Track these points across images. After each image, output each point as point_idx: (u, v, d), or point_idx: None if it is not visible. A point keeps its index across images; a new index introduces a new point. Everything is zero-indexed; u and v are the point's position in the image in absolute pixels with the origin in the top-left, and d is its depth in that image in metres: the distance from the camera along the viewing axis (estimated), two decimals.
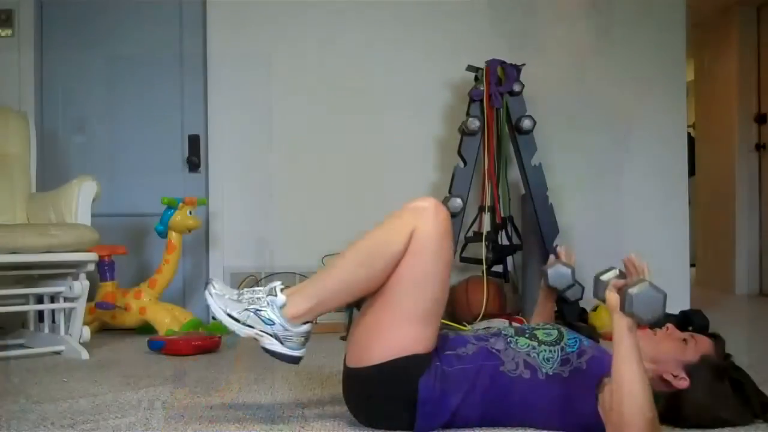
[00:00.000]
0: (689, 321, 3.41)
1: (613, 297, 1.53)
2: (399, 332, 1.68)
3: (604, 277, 1.67)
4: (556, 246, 3.28)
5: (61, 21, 4.04)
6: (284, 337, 1.70)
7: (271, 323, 1.69)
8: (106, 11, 4.05)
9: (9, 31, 3.94)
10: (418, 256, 1.67)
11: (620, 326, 1.51)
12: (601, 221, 4.06)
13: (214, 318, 1.76)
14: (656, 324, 1.55)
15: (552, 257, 2.04)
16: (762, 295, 5.42)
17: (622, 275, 1.65)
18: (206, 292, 1.74)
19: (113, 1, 4.05)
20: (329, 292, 1.73)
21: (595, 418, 1.62)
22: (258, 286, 1.77)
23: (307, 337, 1.74)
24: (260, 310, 1.69)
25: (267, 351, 1.72)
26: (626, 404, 1.49)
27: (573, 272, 1.99)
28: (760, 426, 1.74)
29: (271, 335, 1.70)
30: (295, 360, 1.73)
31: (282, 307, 1.69)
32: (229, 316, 1.70)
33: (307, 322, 1.72)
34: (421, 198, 1.73)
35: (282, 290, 1.71)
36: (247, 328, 1.70)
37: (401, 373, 1.67)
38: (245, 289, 1.75)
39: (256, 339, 1.71)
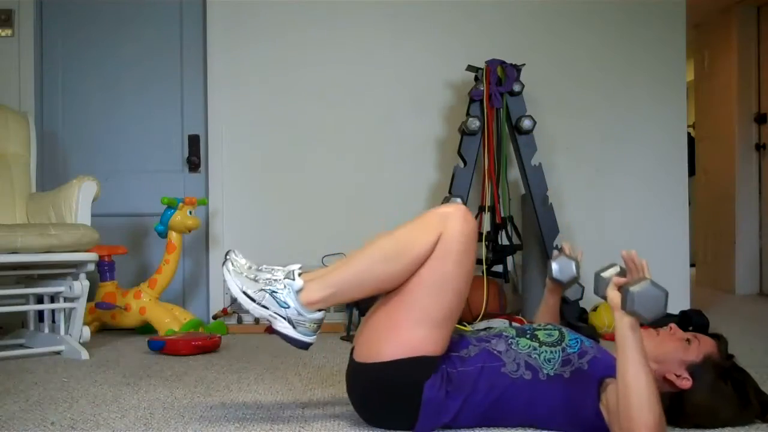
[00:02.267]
0: (689, 321, 3.41)
1: (614, 295, 1.53)
2: (413, 333, 1.68)
3: (605, 274, 1.67)
4: (559, 244, 3.26)
5: (61, 21, 4.04)
6: (297, 321, 1.70)
7: (286, 306, 1.68)
8: (106, 11, 4.05)
9: (9, 31, 3.94)
10: (441, 260, 1.67)
11: (622, 325, 1.51)
12: (601, 221, 4.06)
13: (228, 294, 1.74)
14: (658, 323, 1.54)
15: (556, 251, 2.01)
16: (762, 295, 5.42)
17: (622, 272, 1.65)
18: (224, 268, 1.74)
19: (113, 1, 4.05)
20: (347, 284, 1.72)
21: (598, 418, 1.62)
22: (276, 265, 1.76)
23: (319, 324, 1.73)
24: (276, 292, 1.69)
25: (279, 334, 1.71)
26: (634, 404, 1.47)
27: (577, 265, 1.98)
28: (760, 426, 1.74)
29: (284, 318, 1.69)
30: (305, 345, 1.72)
31: (298, 291, 1.69)
32: (245, 294, 1.70)
33: (320, 310, 1.72)
34: (449, 204, 1.73)
35: (300, 274, 1.71)
36: (262, 308, 1.69)
37: (410, 372, 1.67)
38: (264, 267, 1.74)
39: (268, 320, 1.70)
